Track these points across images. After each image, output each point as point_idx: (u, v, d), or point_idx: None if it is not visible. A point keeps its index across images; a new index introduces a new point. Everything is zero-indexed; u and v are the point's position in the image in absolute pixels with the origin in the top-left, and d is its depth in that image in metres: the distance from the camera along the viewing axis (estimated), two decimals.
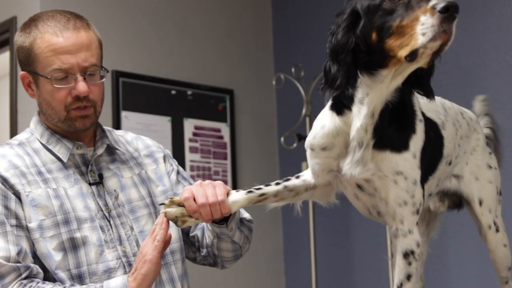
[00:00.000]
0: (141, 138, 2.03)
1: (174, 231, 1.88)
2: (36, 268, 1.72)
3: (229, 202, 1.69)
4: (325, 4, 4.28)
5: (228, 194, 1.70)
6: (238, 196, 1.71)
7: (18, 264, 1.69)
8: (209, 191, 1.67)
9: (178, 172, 2.01)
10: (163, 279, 1.85)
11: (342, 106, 1.62)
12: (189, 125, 4.09)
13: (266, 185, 1.75)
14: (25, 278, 1.70)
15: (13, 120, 3.70)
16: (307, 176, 1.76)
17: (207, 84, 4.19)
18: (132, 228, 1.84)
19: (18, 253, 1.70)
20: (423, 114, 1.69)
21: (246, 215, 1.96)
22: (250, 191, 1.72)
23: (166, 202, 1.68)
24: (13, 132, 3.68)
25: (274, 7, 4.57)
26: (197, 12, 4.23)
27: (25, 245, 1.72)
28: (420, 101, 1.69)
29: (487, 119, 2.10)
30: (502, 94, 3.47)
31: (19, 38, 1.82)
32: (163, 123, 3.97)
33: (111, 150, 1.92)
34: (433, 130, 1.70)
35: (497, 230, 1.89)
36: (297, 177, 1.77)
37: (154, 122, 3.92)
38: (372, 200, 1.68)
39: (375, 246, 3.81)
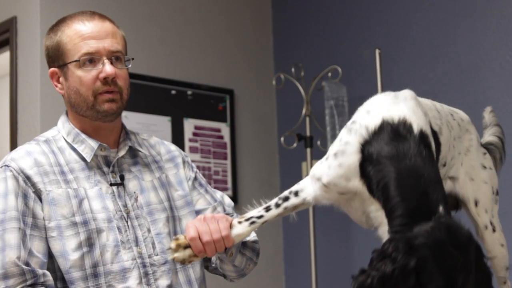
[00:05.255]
0: (164, 143, 2.06)
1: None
2: (44, 275, 1.75)
3: (232, 235, 1.71)
4: (325, 4, 4.29)
5: (231, 225, 1.72)
6: (241, 229, 1.72)
7: (25, 268, 1.72)
8: (213, 227, 1.69)
9: (195, 179, 2.03)
10: (180, 281, 1.88)
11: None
12: (189, 125, 4.09)
13: (267, 210, 1.73)
14: (29, 285, 1.72)
15: (13, 120, 3.70)
16: (307, 195, 1.73)
17: (207, 84, 4.19)
18: (149, 230, 1.87)
19: (28, 254, 1.74)
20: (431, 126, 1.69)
21: (251, 236, 1.97)
22: (253, 222, 1.72)
23: (173, 246, 1.70)
24: (13, 132, 3.68)
25: (274, 7, 4.57)
26: (197, 12, 4.23)
27: (35, 245, 1.76)
28: (423, 105, 1.69)
29: (496, 128, 2.09)
30: (502, 94, 3.47)
31: (47, 40, 1.91)
32: (163, 123, 3.97)
33: (133, 153, 1.95)
34: (435, 140, 1.70)
35: (494, 230, 1.88)
36: (296, 195, 1.74)
37: (154, 122, 3.92)
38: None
39: (375, 246, 3.80)
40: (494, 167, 1.94)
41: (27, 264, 1.73)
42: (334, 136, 3.76)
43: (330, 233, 4.11)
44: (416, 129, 1.55)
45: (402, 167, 1.50)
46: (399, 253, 1.43)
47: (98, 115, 1.85)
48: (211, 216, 1.73)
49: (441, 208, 1.48)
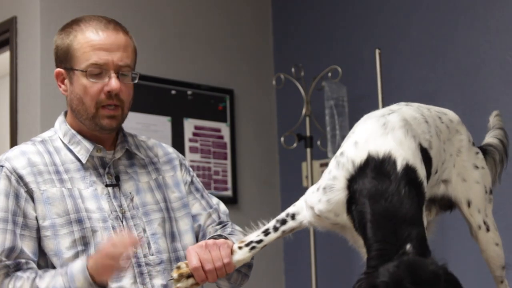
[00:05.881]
0: (162, 145, 2.07)
1: (189, 237, 1.94)
2: (27, 263, 1.76)
3: (233, 262, 1.75)
4: (325, 5, 4.29)
5: (231, 251, 1.75)
6: (242, 255, 1.76)
7: (7, 262, 1.74)
8: (215, 254, 1.72)
9: (192, 183, 2.04)
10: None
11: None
12: (189, 125, 4.09)
13: (266, 234, 1.78)
14: (12, 271, 1.74)
15: (13, 120, 3.70)
16: (303, 218, 1.76)
17: (207, 84, 4.19)
18: (144, 230, 1.87)
19: (12, 251, 1.75)
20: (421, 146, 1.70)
21: None
22: (253, 247, 1.77)
23: (175, 276, 1.72)
24: (13, 132, 3.68)
25: (274, 7, 4.57)
26: (197, 12, 4.23)
27: (25, 245, 1.77)
28: (412, 123, 1.70)
29: (498, 131, 2.09)
30: (502, 94, 3.47)
31: (59, 39, 1.90)
32: (163, 123, 3.97)
33: (130, 155, 1.96)
34: (424, 157, 1.70)
35: (488, 230, 1.88)
36: (293, 218, 1.77)
37: (154, 122, 3.92)
38: None
39: None
40: (487, 167, 1.93)
41: (8, 259, 1.74)
42: (334, 136, 3.76)
43: (330, 233, 4.11)
44: (400, 165, 1.57)
45: (377, 208, 1.54)
46: None
47: (96, 127, 1.86)
48: (213, 243, 1.74)
49: (408, 247, 1.50)
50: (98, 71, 1.83)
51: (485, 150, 1.99)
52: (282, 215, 1.78)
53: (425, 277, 1.45)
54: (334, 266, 4.11)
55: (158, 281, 1.85)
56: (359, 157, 1.59)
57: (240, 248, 1.76)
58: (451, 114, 1.93)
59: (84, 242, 1.79)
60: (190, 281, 1.72)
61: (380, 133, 1.63)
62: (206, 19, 4.27)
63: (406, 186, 1.55)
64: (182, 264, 1.74)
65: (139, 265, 1.83)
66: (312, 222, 1.74)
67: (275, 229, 1.78)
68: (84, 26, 1.87)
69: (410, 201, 1.54)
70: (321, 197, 1.66)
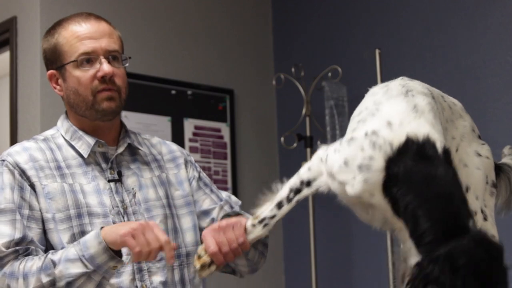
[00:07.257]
0: (166, 143, 2.07)
1: (191, 235, 1.95)
2: (37, 251, 1.77)
3: (248, 240, 1.76)
4: (325, 5, 4.29)
5: (245, 228, 1.76)
6: (256, 233, 1.76)
7: (17, 248, 1.75)
8: (229, 236, 1.75)
9: (199, 178, 2.05)
10: (175, 280, 1.89)
11: None
12: (189, 125, 4.09)
13: (279, 207, 1.74)
14: (22, 255, 1.75)
15: (13, 120, 3.70)
16: (321, 184, 1.71)
17: (207, 84, 4.19)
18: None
19: (22, 240, 1.76)
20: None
21: None
22: (266, 224, 1.75)
23: (198, 266, 1.76)
24: (13, 132, 3.68)
25: (274, 7, 4.57)
26: (197, 12, 4.23)
27: (32, 235, 1.78)
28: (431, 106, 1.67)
29: None
30: (502, 94, 3.47)
31: (45, 43, 1.93)
32: (163, 123, 3.97)
33: (133, 151, 1.96)
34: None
35: (485, 219, 1.77)
36: (309, 185, 1.73)
37: (154, 122, 3.92)
38: None
39: (375, 246, 3.81)
40: (492, 159, 1.85)
41: (17, 246, 1.75)
42: (334, 136, 3.76)
43: (330, 232, 4.11)
44: (440, 148, 1.54)
45: (430, 192, 1.49)
46: (447, 276, 1.41)
47: (97, 115, 1.87)
48: (225, 224, 1.76)
49: (471, 223, 1.47)
50: (88, 58, 1.85)
51: (500, 167, 1.90)
52: (296, 182, 1.74)
53: (496, 254, 1.44)
54: (334, 265, 4.11)
55: (158, 277, 1.85)
56: (397, 139, 1.55)
57: (253, 226, 1.76)
58: (454, 99, 1.91)
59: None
60: (212, 267, 1.76)
61: (413, 116, 1.59)
62: (206, 19, 4.27)
63: (450, 168, 1.53)
64: (201, 251, 1.76)
65: (138, 262, 1.83)
66: (335, 192, 1.66)
67: (289, 200, 1.74)
68: (66, 23, 1.90)
69: (457, 182, 1.53)
70: (357, 176, 1.58)
